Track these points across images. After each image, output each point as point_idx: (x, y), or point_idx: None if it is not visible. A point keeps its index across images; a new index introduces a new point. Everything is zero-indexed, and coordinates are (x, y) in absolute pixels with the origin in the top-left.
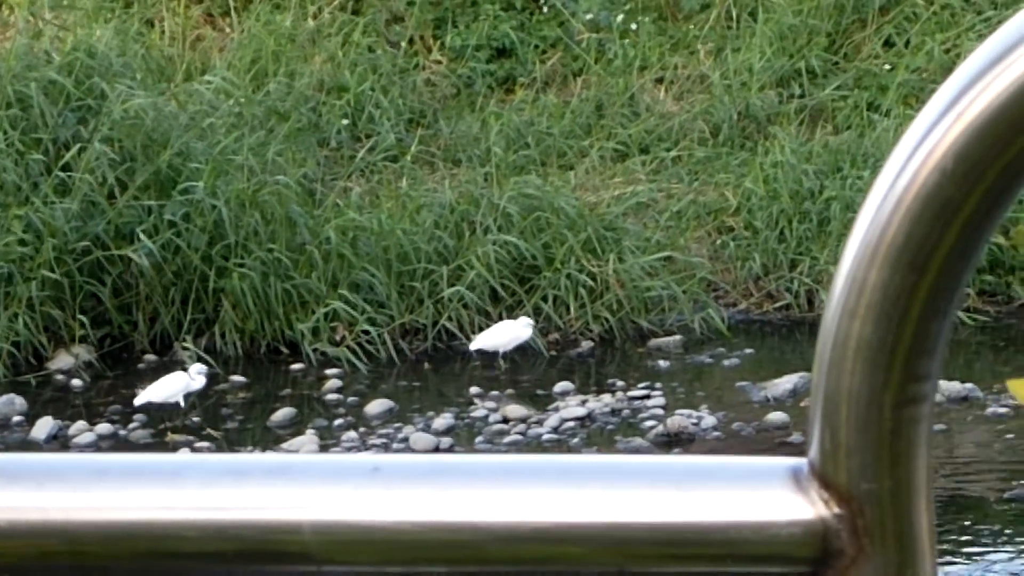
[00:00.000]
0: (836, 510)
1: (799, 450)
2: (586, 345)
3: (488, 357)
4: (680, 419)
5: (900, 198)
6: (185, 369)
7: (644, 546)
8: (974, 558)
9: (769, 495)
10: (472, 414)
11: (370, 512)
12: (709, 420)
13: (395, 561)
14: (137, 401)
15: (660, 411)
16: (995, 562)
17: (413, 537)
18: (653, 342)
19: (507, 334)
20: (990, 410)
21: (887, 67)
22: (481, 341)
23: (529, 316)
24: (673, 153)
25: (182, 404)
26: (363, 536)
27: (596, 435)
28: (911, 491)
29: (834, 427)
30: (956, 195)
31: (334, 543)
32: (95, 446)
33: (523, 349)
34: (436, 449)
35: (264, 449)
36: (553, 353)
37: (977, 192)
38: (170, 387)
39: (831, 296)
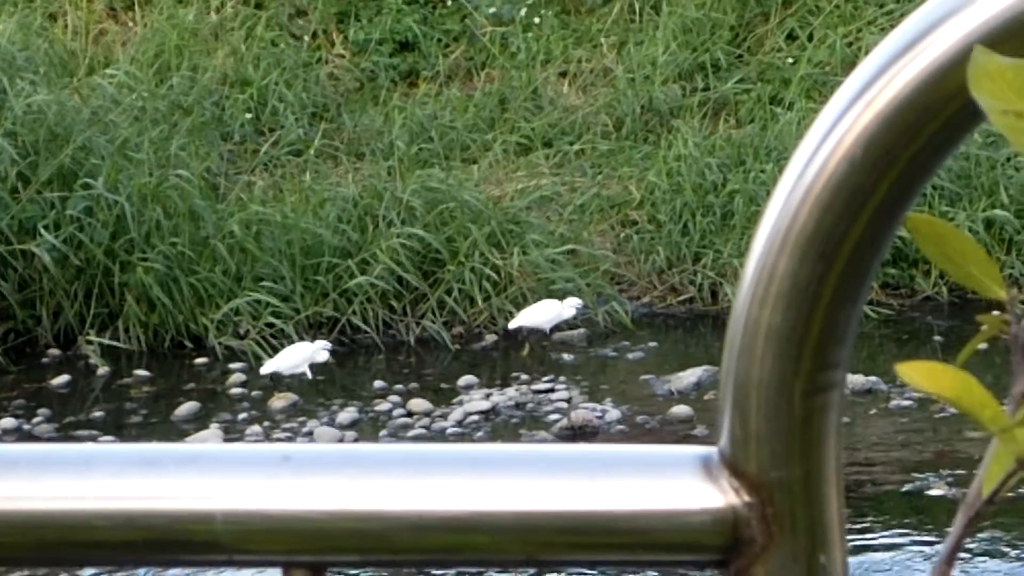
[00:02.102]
0: (746, 498)
1: (705, 443)
2: (490, 339)
3: (529, 335)
4: (584, 412)
5: (809, 187)
6: (90, 364)
7: (553, 535)
8: (876, 550)
9: (679, 484)
10: (376, 408)
11: (280, 501)
12: (613, 413)
13: (305, 551)
14: (264, 370)
15: (564, 404)
16: (896, 554)
17: (323, 526)
18: (557, 335)
19: (550, 311)
20: (894, 403)
21: (790, 60)
22: (522, 319)
23: (434, 312)
24: (576, 147)
25: (308, 375)
26: (273, 525)
27: (500, 429)
28: (821, 479)
29: (744, 415)
30: (865, 184)
31: (245, 532)
32: None
33: (426, 342)
34: (340, 443)
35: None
36: (457, 347)
37: (886, 181)
38: (295, 356)
39: (741, 285)
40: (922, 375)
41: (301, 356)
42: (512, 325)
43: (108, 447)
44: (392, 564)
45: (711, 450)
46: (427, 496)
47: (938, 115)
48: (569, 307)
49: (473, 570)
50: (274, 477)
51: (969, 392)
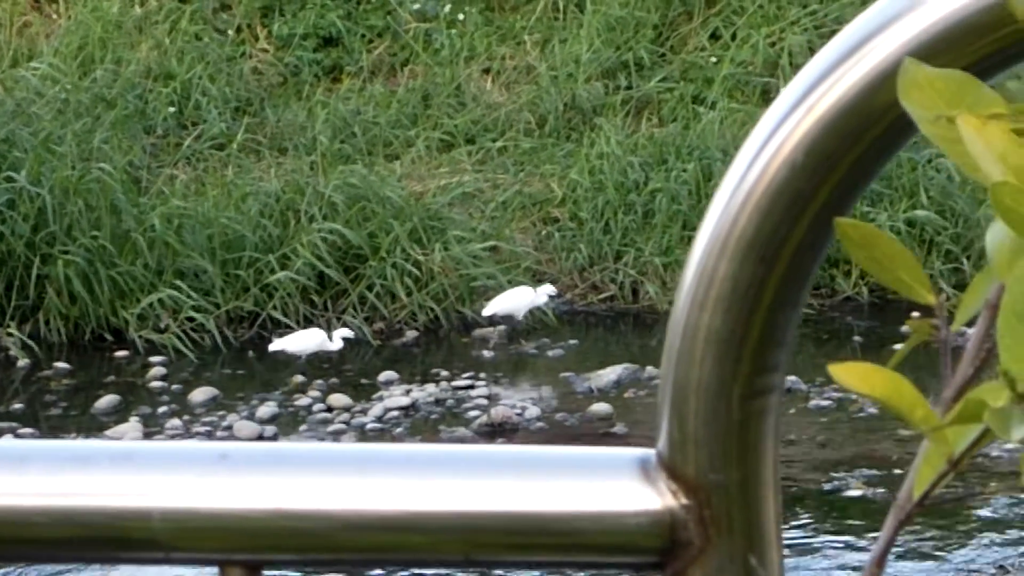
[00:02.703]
0: (684, 501)
1: (623, 441)
2: (411, 335)
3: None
4: (504, 409)
5: (750, 191)
6: (10, 356)
7: (491, 536)
8: (794, 549)
9: (617, 486)
10: (296, 403)
11: (218, 500)
12: (533, 411)
13: (243, 549)
14: (272, 347)
15: (484, 401)
16: (814, 553)
17: (261, 525)
18: (478, 332)
19: (524, 299)
20: (813, 403)
21: (713, 60)
22: (496, 306)
23: (355, 307)
24: (499, 144)
25: (318, 357)
26: (211, 523)
27: (420, 425)
28: (759, 482)
29: (683, 418)
30: (806, 188)
31: (182, 530)
32: None
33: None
34: (260, 437)
35: (87, 436)
36: (378, 342)
37: (827, 185)
38: (306, 341)
39: (681, 288)
40: (853, 376)
41: (314, 341)
42: (486, 312)
43: (45, 444)
44: (329, 563)
45: (649, 452)
46: (364, 495)
47: (879, 120)
48: (543, 294)
49: (410, 571)
50: (211, 475)
51: (900, 393)
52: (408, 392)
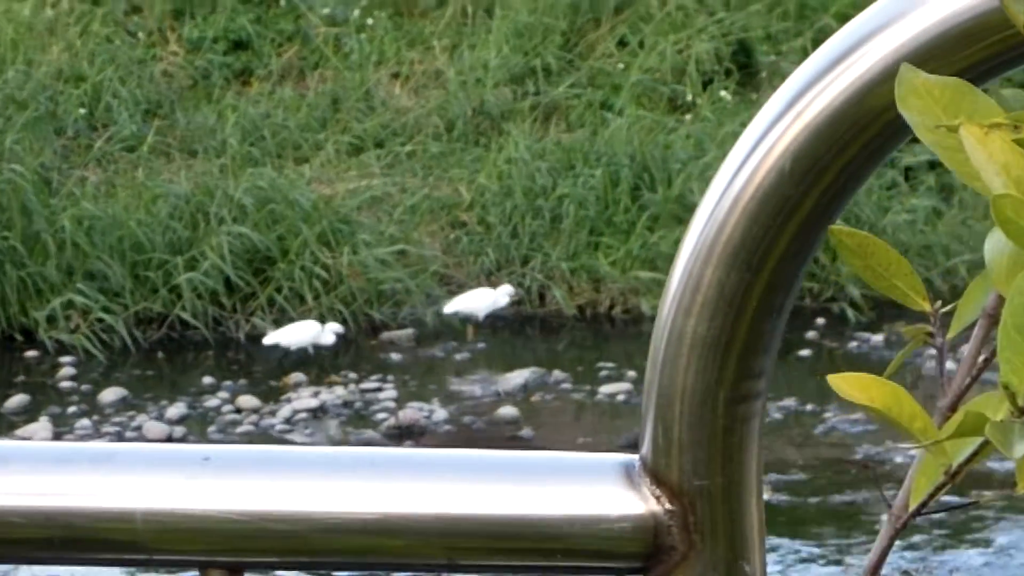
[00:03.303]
0: (668, 506)
1: (529, 444)
2: None
3: (465, 320)
4: (412, 412)
5: (737, 197)
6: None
7: (474, 539)
8: None
9: (600, 490)
10: (205, 403)
11: (201, 502)
12: (440, 413)
13: (225, 551)
14: (266, 340)
15: (392, 404)
16: None
17: (243, 527)
18: (386, 335)
19: (486, 299)
20: None
21: (620, 66)
22: (458, 304)
23: (264, 309)
24: (408, 148)
25: (311, 352)
26: (193, 525)
27: (328, 427)
28: (743, 488)
29: (667, 424)
30: (793, 195)
31: (164, 532)
32: None
33: (256, 339)
34: (169, 438)
35: None
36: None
37: (815, 192)
38: (301, 334)
39: (666, 293)
40: (853, 386)
41: (308, 334)
42: (447, 310)
43: (26, 444)
44: (311, 566)
45: (633, 458)
46: (347, 498)
47: (868, 127)
48: (503, 295)
49: (393, 573)
50: (194, 477)
51: (899, 404)
52: (316, 394)
